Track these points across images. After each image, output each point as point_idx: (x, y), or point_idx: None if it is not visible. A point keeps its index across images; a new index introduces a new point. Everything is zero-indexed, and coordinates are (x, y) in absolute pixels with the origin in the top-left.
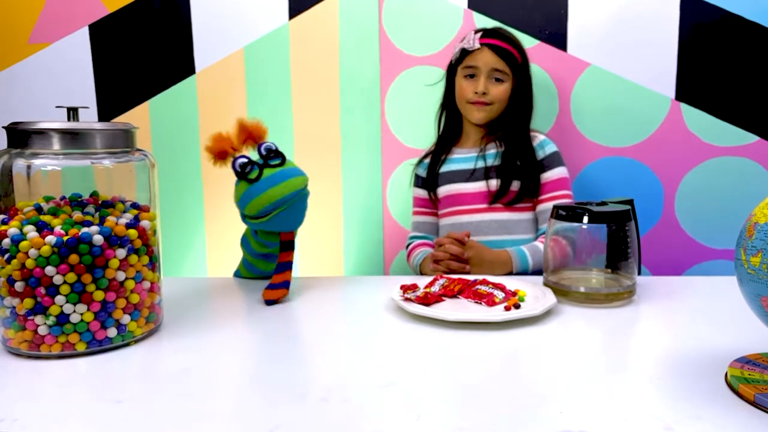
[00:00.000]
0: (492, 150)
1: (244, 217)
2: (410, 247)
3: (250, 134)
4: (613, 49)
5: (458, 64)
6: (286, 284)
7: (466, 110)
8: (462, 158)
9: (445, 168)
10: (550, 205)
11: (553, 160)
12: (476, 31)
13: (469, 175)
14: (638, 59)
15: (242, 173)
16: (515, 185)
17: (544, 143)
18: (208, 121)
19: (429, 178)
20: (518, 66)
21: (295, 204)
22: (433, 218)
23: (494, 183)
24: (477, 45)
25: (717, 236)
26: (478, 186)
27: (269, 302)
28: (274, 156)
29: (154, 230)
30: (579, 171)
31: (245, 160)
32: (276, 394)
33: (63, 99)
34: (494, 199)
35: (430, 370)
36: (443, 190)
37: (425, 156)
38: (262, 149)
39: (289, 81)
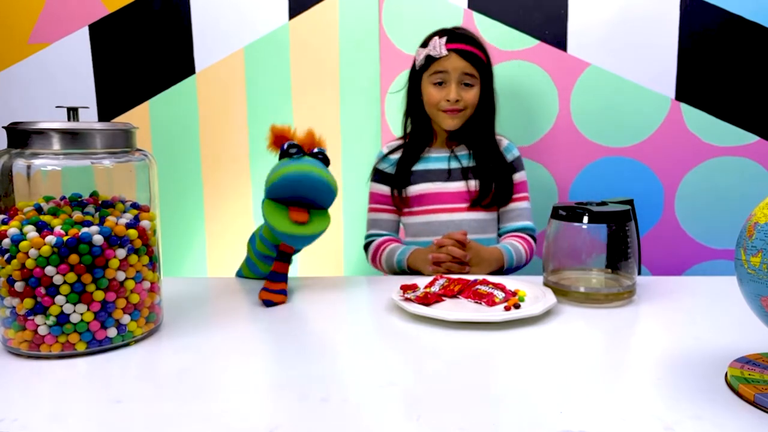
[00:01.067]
0: (463, 151)
1: (266, 187)
2: (375, 244)
3: (313, 141)
4: (613, 49)
5: (423, 71)
6: (283, 292)
7: (437, 118)
8: (435, 158)
9: (418, 167)
10: (514, 205)
11: (519, 164)
12: (440, 36)
13: (448, 175)
14: (638, 59)
15: (286, 151)
16: (493, 186)
17: (510, 147)
18: (208, 121)
19: (399, 176)
20: (484, 66)
21: (312, 180)
22: (394, 215)
23: (473, 183)
24: (444, 52)
25: (717, 236)
26: (457, 186)
27: (268, 303)
28: (321, 159)
29: (154, 230)
30: (579, 171)
31: (295, 145)
32: (276, 394)
33: (63, 99)
34: (477, 199)
35: (430, 370)
36: (416, 189)
37: (390, 152)
38: (315, 149)
39: (289, 81)
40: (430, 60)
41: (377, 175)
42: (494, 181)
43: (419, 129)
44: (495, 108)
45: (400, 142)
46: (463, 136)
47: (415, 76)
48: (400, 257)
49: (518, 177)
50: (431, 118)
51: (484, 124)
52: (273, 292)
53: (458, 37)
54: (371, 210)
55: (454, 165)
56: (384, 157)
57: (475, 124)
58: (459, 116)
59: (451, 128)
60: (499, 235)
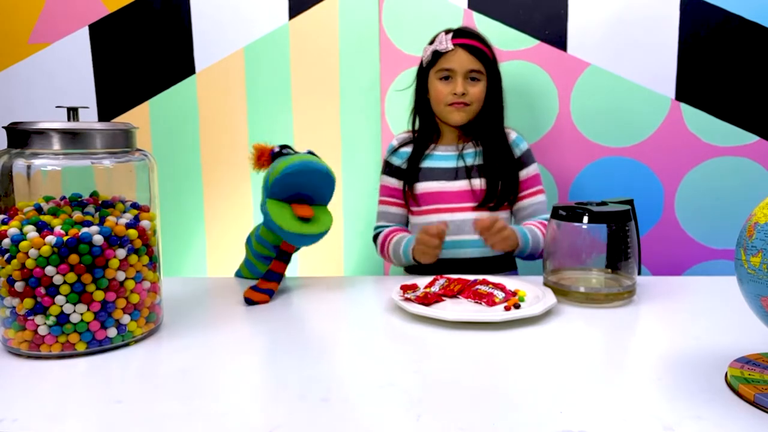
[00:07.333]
0: (470, 149)
1: (266, 187)
2: (382, 235)
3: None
4: (613, 49)
5: (430, 67)
6: (269, 292)
7: (444, 113)
8: (441, 156)
9: (426, 164)
10: (528, 201)
11: (528, 157)
12: (446, 32)
13: (454, 175)
14: (638, 59)
15: (278, 153)
16: (500, 185)
17: (518, 140)
18: (208, 121)
19: (410, 172)
20: (490, 63)
21: (315, 169)
22: (403, 210)
23: (477, 182)
24: (450, 46)
25: (717, 236)
26: (461, 185)
27: (249, 301)
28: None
29: (154, 230)
30: (579, 171)
31: (287, 145)
32: (276, 394)
33: (63, 99)
34: (484, 200)
35: (430, 370)
36: (423, 187)
37: (401, 146)
38: (305, 151)
39: (289, 81)
40: (436, 56)
41: (388, 168)
42: (501, 180)
43: (426, 127)
44: (503, 104)
45: (409, 136)
46: (472, 132)
47: (422, 74)
48: (406, 247)
49: (530, 171)
50: (438, 116)
51: (493, 120)
52: (259, 291)
53: (464, 33)
54: (381, 203)
55: (462, 164)
56: (395, 151)
57: (483, 120)
58: (465, 111)
59: (457, 123)
60: None
